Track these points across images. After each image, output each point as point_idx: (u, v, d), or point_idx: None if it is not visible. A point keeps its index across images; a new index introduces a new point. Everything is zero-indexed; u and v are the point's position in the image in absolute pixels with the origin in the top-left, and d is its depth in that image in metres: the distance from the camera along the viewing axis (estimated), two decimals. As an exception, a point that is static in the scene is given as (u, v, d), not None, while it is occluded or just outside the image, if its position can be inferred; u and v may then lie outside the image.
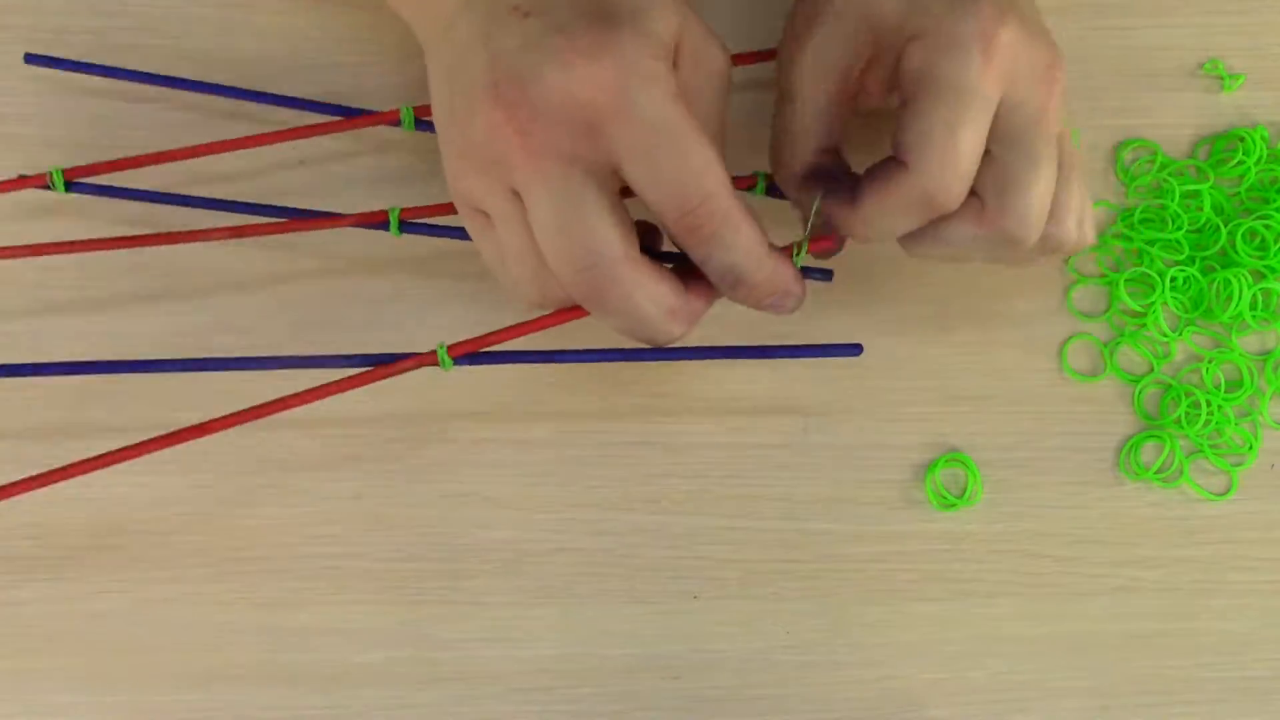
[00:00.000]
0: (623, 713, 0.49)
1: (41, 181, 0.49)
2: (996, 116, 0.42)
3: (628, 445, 0.50)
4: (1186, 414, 0.51)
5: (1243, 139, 0.52)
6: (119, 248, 0.48)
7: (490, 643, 0.49)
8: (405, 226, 0.48)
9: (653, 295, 0.40)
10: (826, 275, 0.47)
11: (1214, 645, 0.50)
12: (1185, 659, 0.50)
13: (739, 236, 0.40)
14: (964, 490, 0.50)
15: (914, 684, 0.49)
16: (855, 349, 0.46)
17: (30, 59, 0.50)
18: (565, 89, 0.38)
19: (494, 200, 0.40)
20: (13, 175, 0.49)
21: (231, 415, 0.43)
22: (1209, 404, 0.51)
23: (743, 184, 0.48)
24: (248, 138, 0.49)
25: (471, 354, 0.44)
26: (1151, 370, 0.51)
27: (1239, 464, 0.51)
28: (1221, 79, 0.53)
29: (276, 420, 0.49)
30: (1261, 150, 0.52)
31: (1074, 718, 0.49)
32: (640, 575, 0.49)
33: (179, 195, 0.49)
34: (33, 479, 0.43)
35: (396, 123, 0.49)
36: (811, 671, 0.49)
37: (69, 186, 0.49)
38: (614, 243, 0.39)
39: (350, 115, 0.50)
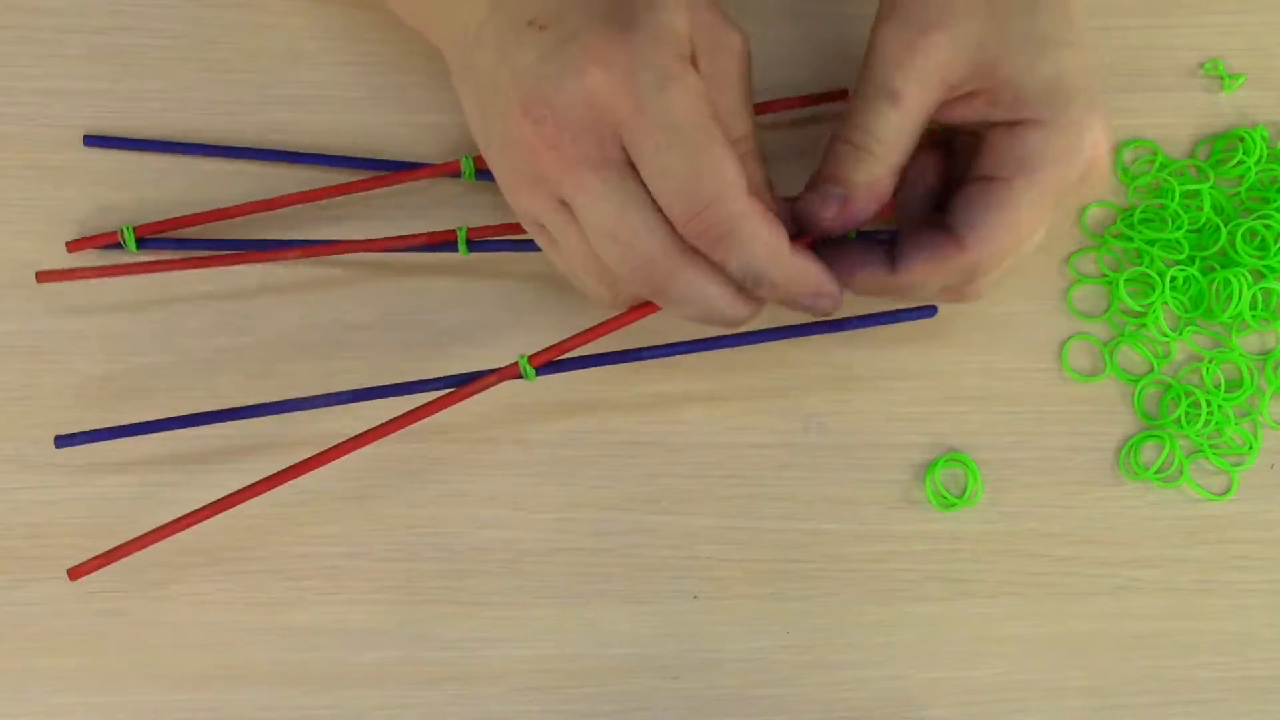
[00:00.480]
0: (623, 713, 0.49)
1: (113, 239, 0.49)
2: None
3: (628, 445, 0.50)
4: (1186, 414, 0.51)
5: (1243, 139, 0.52)
6: (191, 268, 0.48)
7: (490, 643, 0.49)
8: (474, 245, 0.49)
9: (713, 280, 0.41)
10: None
11: (1214, 645, 0.50)
12: (1185, 659, 0.50)
13: (753, 239, 0.40)
14: (964, 490, 0.50)
15: (914, 684, 0.49)
16: (930, 310, 0.46)
17: (90, 141, 0.50)
18: (584, 97, 0.38)
19: (548, 214, 0.41)
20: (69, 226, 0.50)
21: (344, 444, 0.46)
22: (1209, 404, 0.51)
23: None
24: (310, 192, 0.50)
25: (553, 362, 0.46)
26: (1151, 370, 0.51)
27: (1239, 464, 0.51)
28: (1221, 79, 0.53)
29: (275, 419, 0.49)
30: (1261, 150, 0.52)
31: (1074, 717, 0.49)
32: (640, 575, 0.49)
33: (250, 240, 0.50)
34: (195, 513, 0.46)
35: (457, 174, 0.50)
36: (811, 671, 0.49)
37: (140, 244, 0.49)
38: (661, 238, 0.40)
39: (409, 168, 0.50)
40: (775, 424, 0.50)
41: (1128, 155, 0.53)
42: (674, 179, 0.39)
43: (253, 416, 0.47)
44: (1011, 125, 0.42)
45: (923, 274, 0.43)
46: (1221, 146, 0.53)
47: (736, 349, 0.48)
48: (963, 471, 0.50)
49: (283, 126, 0.51)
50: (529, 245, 0.48)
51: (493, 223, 0.49)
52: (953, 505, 0.50)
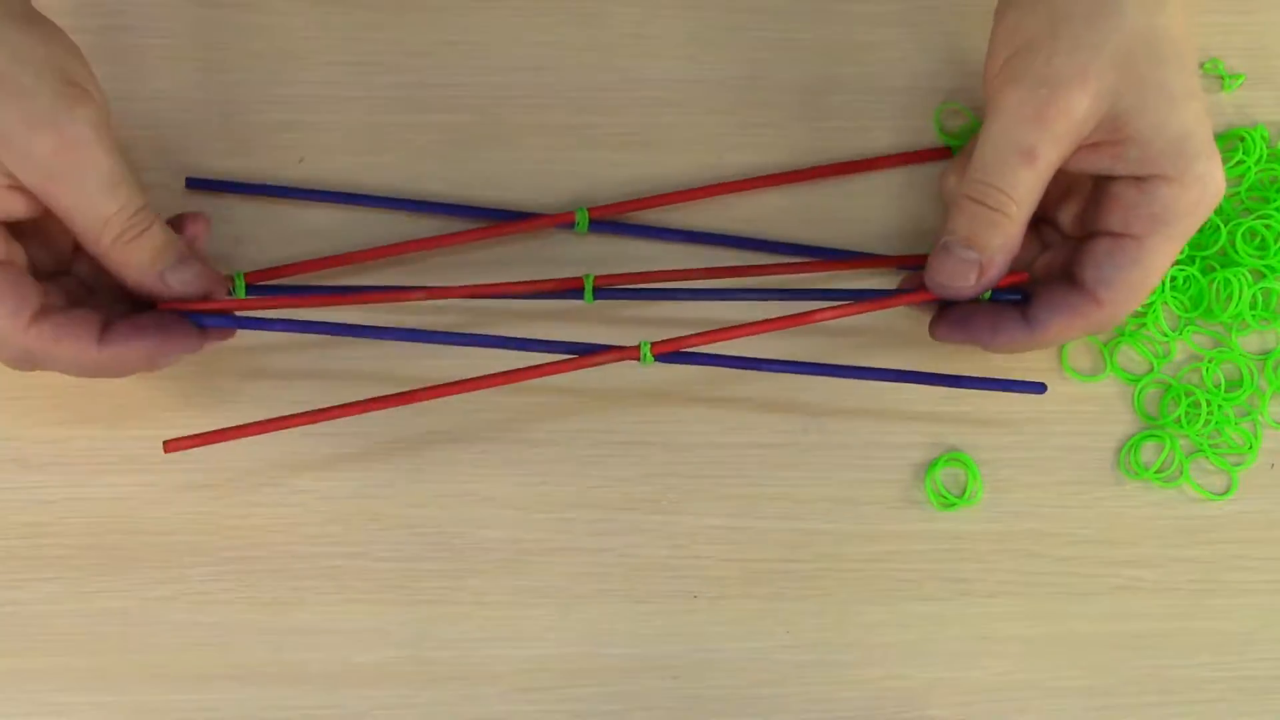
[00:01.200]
0: (623, 713, 0.49)
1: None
2: None
3: (628, 445, 0.50)
4: (1186, 413, 0.51)
5: (1243, 139, 0.52)
6: (315, 305, 0.47)
7: (490, 642, 0.49)
8: (599, 293, 0.48)
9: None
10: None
11: (1214, 645, 0.50)
12: (1185, 659, 0.50)
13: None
14: (964, 490, 0.50)
15: (914, 684, 0.49)
16: (1040, 387, 0.48)
17: (192, 184, 0.50)
18: None
19: None
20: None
21: (446, 385, 0.45)
22: (1209, 403, 0.51)
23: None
24: (422, 240, 0.49)
25: (672, 353, 0.46)
26: (1151, 370, 0.51)
27: (1239, 464, 0.51)
28: (1221, 79, 0.53)
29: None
30: (1261, 150, 0.52)
31: (1074, 717, 0.49)
32: (640, 575, 0.49)
33: (361, 287, 0.48)
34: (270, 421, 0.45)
35: (571, 225, 0.50)
36: (811, 671, 0.49)
37: (250, 290, 0.48)
38: None
39: (521, 218, 0.50)
40: (775, 424, 0.50)
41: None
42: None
43: (367, 337, 0.47)
44: (1140, 180, 0.43)
45: (1059, 332, 0.45)
46: (1221, 146, 0.53)
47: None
48: (963, 471, 0.50)
49: (284, 128, 0.51)
50: (656, 294, 0.48)
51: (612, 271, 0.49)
52: (953, 505, 0.50)
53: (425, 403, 0.49)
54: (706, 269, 0.49)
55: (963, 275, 0.44)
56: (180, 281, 0.44)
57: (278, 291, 0.48)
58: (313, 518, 0.49)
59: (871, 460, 0.50)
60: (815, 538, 0.50)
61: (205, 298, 0.45)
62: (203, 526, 0.49)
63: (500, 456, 0.50)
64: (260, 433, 0.45)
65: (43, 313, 0.42)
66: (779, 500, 0.50)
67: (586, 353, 0.46)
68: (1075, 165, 0.44)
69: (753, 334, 0.46)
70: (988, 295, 0.47)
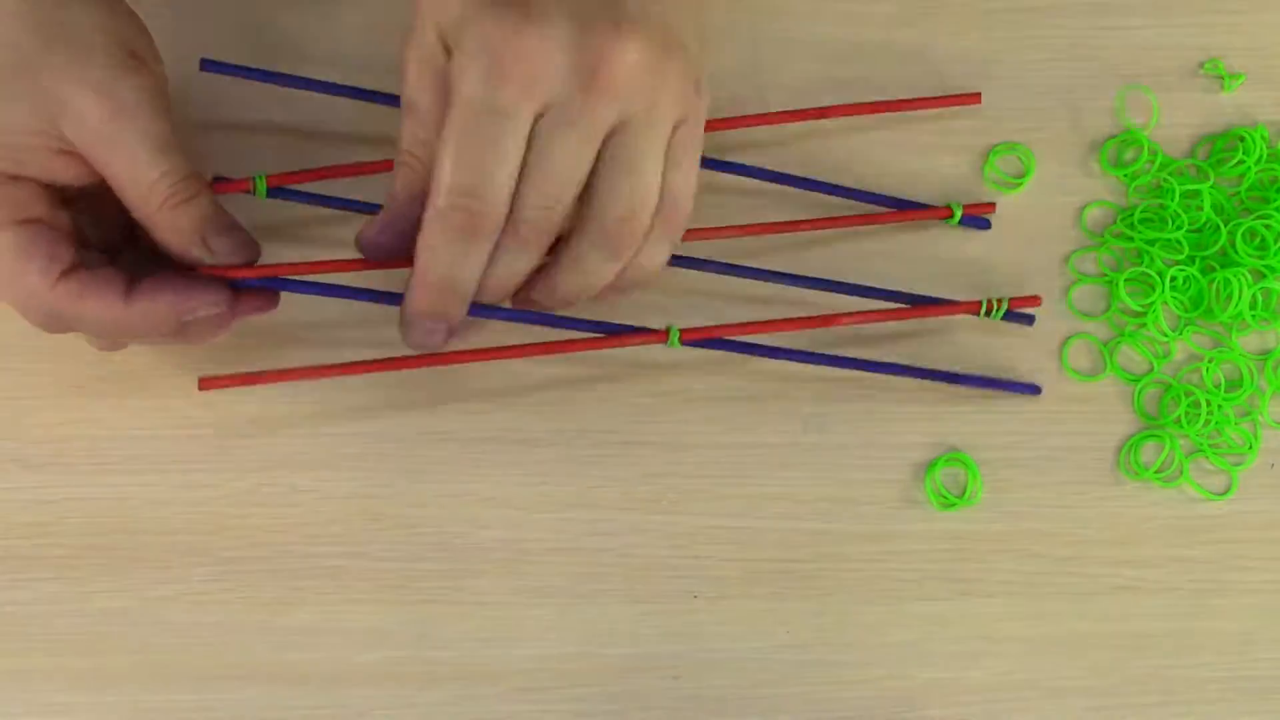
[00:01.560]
0: (623, 713, 0.49)
1: (244, 186, 0.48)
2: None
3: (628, 445, 0.50)
4: (1186, 414, 0.51)
5: (1243, 139, 0.52)
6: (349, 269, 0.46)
7: (490, 643, 0.49)
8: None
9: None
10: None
11: (1214, 645, 0.50)
12: (1185, 659, 0.50)
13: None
14: (964, 490, 0.50)
15: (914, 684, 0.49)
16: (1035, 389, 0.49)
17: (206, 66, 0.49)
18: None
19: None
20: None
21: (476, 351, 0.45)
22: (1209, 403, 0.51)
23: None
24: None
25: (700, 340, 0.47)
26: (1151, 370, 0.51)
27: (1239, 464, 0.51)
28: (1221, 79, 0.53)
29: (276, 420, 0.49)
30: (1261, 150, 0.52)
31: (1074, 717, 0.49)
32: (640, 575, 0.49)
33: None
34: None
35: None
36: (811, 671, 0.49)
37: (270, 193, 0.48)
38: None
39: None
40: (775, 424, 0.50)
41: (1128, 154, 0.53)
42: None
43: (396, 305, 0.45)
44: (450, 63, 0.41)
45: (419, 248, 0.42)
46: (1221, 146, 0.53)
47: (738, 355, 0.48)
48: (963, 471, 0.50)
49: (284, 128, 0.51)
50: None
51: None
52: (953, 505, 0.50)
53: (426, 403, 0.49)
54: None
55: (373, 225, 0.44)
56: (222, 247, 0.44)
57: (300, 197, 0.48)
58: (313, 518, 0.49)
59: (871, 460, 0.50)
60: (815, 538, 0.50)
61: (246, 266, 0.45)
62: (203, 526, 0.49)
63: (500, 456, 0.50)
64: (298, 379, 0.46)
65: (71, 270, 0.42)
66: (779, 500, 0.50)
67: (615, 332, 0.46)
68: None
69: (781, 330, 0.46)
70: (1000, 314, 0.48)
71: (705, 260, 0.48)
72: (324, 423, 0.49)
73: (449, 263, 0.42)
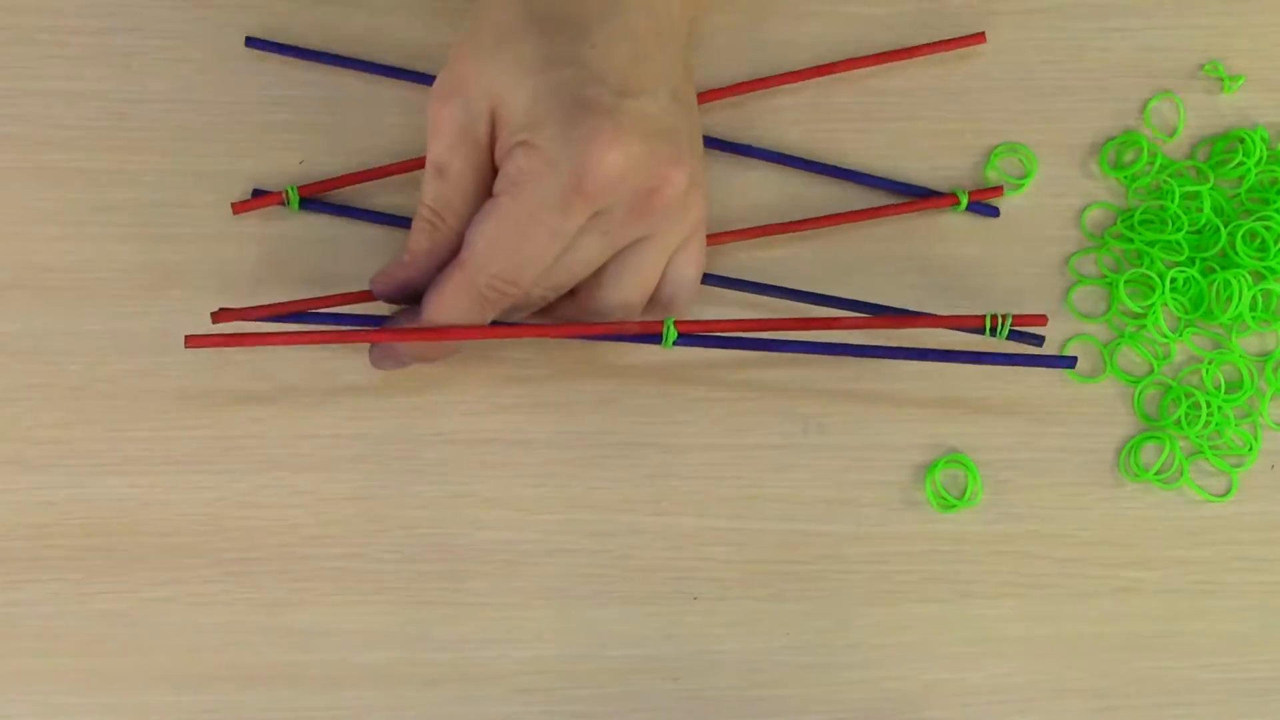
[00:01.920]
0: (623, 713, 0.49)
1: (277, 200, 0.49)
2: None
3: (627, 445, 0.50)
4: (1186, 415, 0.51)
5: (1242, 140, 0.52)
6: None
7: (490, 643, 0.49)
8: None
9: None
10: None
11: (1214, 646, 0.50)
12: (1185, 660, 0.50)
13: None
14: (964, 491, 0.50)
15: (914, 685, 0.49)
16: (1070, 361, 0.48)
17: (250, 43, 0.50)
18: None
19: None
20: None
21: (477, 329, 0.45)
22: (1209, 405, 0.51)
23: None
24: None
25: (692, 334, 0.46)
26: (1151, 371, 0.51)
27: (1239, 465, 0.51)
28: (1221, 80, 0.53)
29: (276, 420, 0.49)
30: (1261, 151, 0.52)
31: (1074, 718, 0.49)
32: (640, 576, 0.49)
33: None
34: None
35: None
36: (811, 672, 0.49)
37: (303, 204, 0.49)
38: None
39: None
40: (775, 424, 0.50)
41: (1127, 155, 0.53)
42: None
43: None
44: (509, 151, 0.42)
45: (439, 302, 0.44)
46: (1221, 147, 0.53)
47: (739, 351, 0.48)
48: (963, 472, 0.50)
49: (284, 126, 0.51)
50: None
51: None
52: (953, 506, 0.50)
53: (426, 404, 0.49)
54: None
55: (390, 274, 0.46)
56: None
57: (330, 209, 0.50)
58: (312, 518, 0.49)
59: (871, 462, 0.50)
60: (815, 539, 0.50)
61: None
62: (203, 527, 0.49)
63: (500, 457, 0.50)
64: (287, 343, 0.46)
65: None
66: (779, 502, 0.50)
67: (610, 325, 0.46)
68: (499, 162, 0.44)
69: (777, 330, 0.46)
70: (1005, 334, 0.47)
71: (710, 275, 0.49)
72: (324, 424, 0.49)
73: (470, 320, 0.45)
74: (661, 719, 0.49)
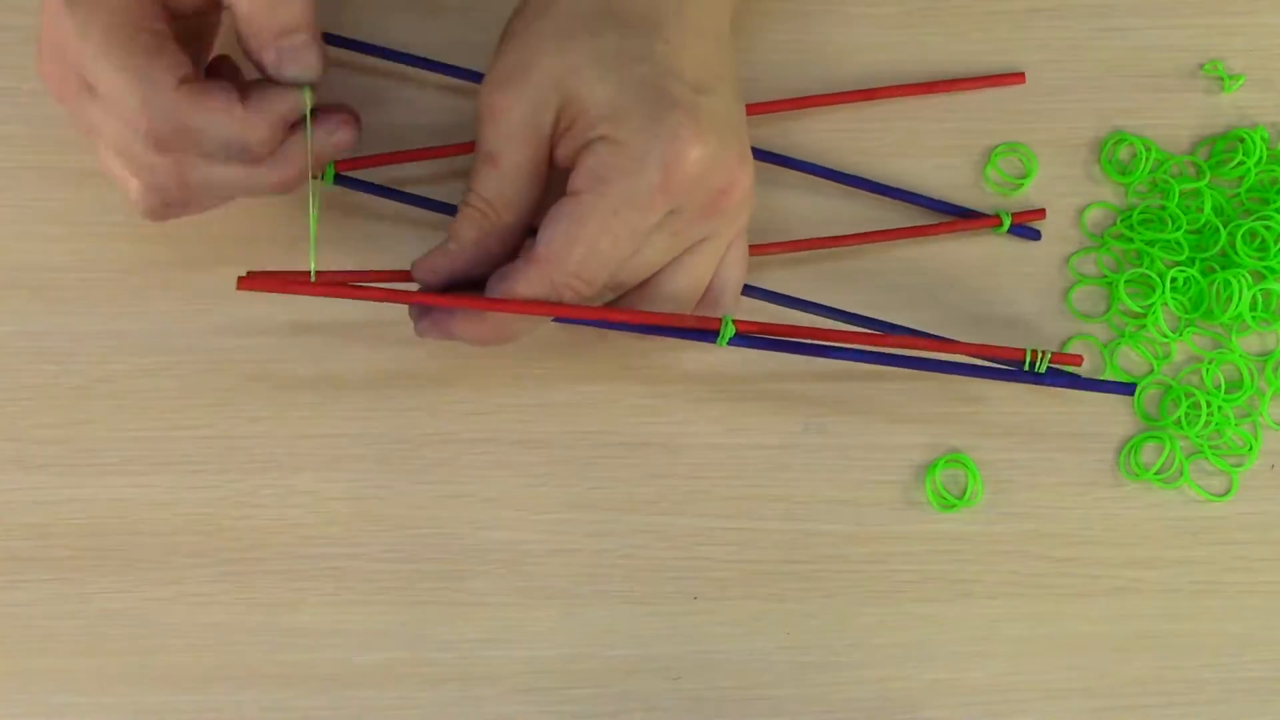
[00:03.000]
0: (623, 713, 0.49)
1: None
2: None
3: (628, 446, 0.50)
4: (1187, 415, 0.51)
5: (1242, 140, 0.52)
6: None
7: (490, 643, 0.49)
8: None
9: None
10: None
11: (1214, 646, 0.50)
12: (1185, 660, 0.49)
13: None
14: (964, 491, 0.50)
15: (914, 685, 0.49)
16: (1129, 388, 0.48)
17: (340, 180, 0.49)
18: None
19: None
20: None
21: (521, 302, 0.43)
22: (1209, 405, 0.51)
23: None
24: None
25: (748, 335, 0.46)
26: (1151, 371, 0.51)
27: (1239, 465, 0.51)
28: (1221, 80, 0.53)
29: (276, 420, 0.49)
30: (1261, 151, 0.52)
31: (1074, 718, 0.49)
32: (640, 576, 0.49)
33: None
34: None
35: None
36: (811, 672, 0.49)
37: (337, 179, 0.49)
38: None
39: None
40: (775, 424, 0.50)
41: (1124, 154, 0.53)
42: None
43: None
44: (588, 145, 0.42)
45: (509, 298, 0.43)
46: (1221, 147, 0.53)
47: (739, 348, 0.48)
48: (963, 472, 0.50)
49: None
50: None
51: None
52: (953, 506, 0.50)
53: (426, 404, 0.49)
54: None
55: (434, 260, 0.44)
56: (296, 65, 0.43)
57: (366, 188, 0.49)
58: (313, 518, 0.49)
59: (871, 461, 0.50)
60: (815, 539, 0.50)
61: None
62: (203, 526, 0.49)
63: (500, 457, 0.50)
64: (332, 295, 0.44)
65: (192, 76, 0.42)
66: (779, 501, 0.50)
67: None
68: (566, 154, 0.43)
69: (829, 339, 0.46)
70: (1043, 369, 0.47)
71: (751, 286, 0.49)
72: (324, 423, 0.49)
73: (534, 322, 0.44)
74: (661, 719, 0.49)
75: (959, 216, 0.52)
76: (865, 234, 0.51)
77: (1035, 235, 0.52)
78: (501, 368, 0.50)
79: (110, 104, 0.42)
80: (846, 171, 0.51)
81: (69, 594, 0.48)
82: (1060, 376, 0.48)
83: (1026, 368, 0.47)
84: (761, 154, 0.50)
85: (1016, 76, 0.52)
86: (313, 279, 0.43)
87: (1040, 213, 0.52)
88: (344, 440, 0.49)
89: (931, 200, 0.52)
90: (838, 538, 0.50)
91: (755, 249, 0.49)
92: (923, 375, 0.50)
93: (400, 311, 0.50)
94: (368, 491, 0.49)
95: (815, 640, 0.49)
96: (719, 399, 0.50)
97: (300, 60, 0.43)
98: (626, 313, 0.45)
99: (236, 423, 0.49)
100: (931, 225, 0.51)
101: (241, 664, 0.48)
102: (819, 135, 0.52)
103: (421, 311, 0.45)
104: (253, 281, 0.42)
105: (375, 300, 0.44)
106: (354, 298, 0.44)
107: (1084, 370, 0.51)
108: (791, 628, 0.49)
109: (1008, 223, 0.51)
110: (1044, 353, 0.47)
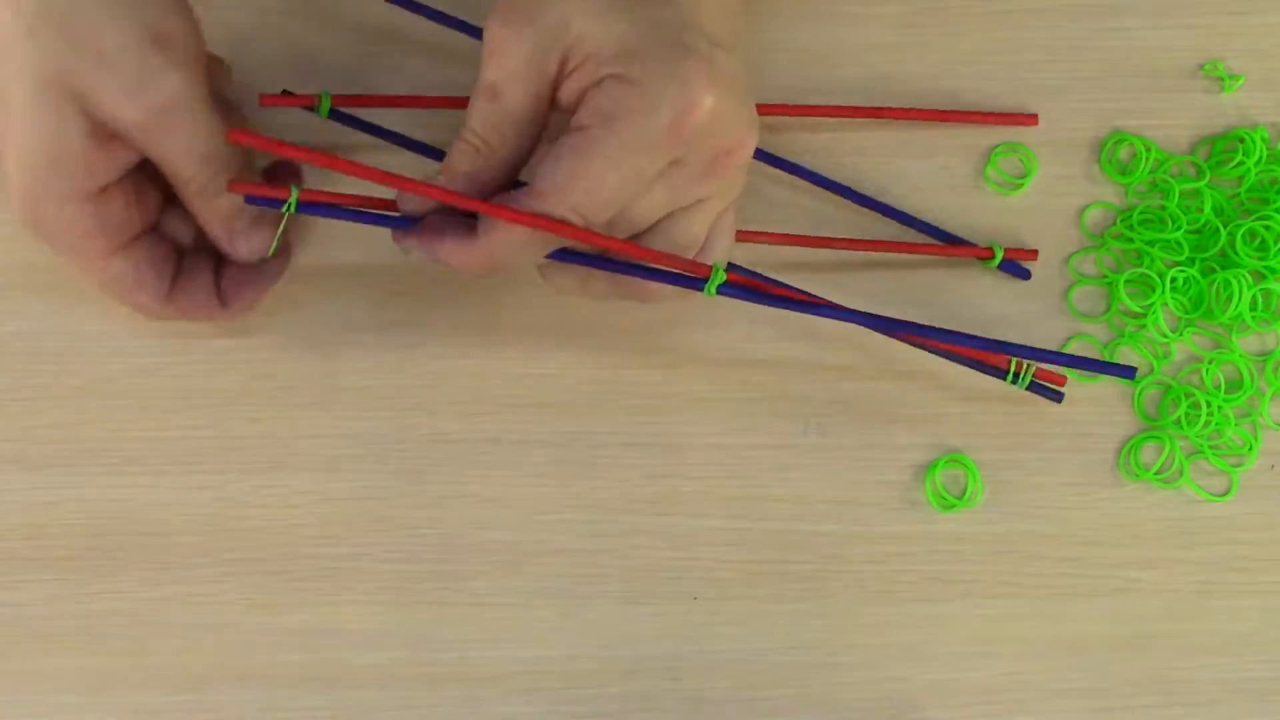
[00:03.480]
0: (623, 713, 0.49)
1: (308, 102, 0.48)
2: None
3: (628, 446, 0.50)
4: (1186, 415, 0.51)
5: (1242, 140, 0.52)
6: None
7: (490, 643, 0.49)
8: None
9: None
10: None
11: (1214, 646, 0.50)
12: (1185, 660, 0.49)
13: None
14: (964, 491, 0.50)
15: (914, 685, 0.49)
16: (1129, 371, 0.48)
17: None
18: None
19: None
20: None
21: (524, 215, 0.42)
22: (1209, 405, 0.51)
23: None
24: None
25: (738, 285, 0.45)
26: (1151, 371, 0.51)
27: (1239, 465, 0.51)
28: (1221, 80, 0.53)
29: (276, 421, 0.49)
30: (1261, 151, 0.52)
31: (1074, 719, 0.49)
32: (640, 576, 0.49)
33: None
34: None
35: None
36: (811, 672, 0.49)
37: (332, 113, 0.48)
38: None
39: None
40: (775, 425, 0.50)
41: (1124, 154, 0.53)
42: None
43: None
44: (599, 82, 0.41)
45: (505, 236, 0.42)
46: (1221, 147, 0.53)
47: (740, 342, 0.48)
48: (963, 472, 0.50)
49: (286, 125, 0.51)
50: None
51: None
52: (953, 506, 0.50)
53: (426, 404, 0.49)
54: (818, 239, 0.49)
55: (423, 192, 0.43)
56: (248, 244, 0.46)
57: (359, 125, 0.49)
58: (313, 518, 0.49)
59: (871, 462, 0.50)
60: (815, 539, 0.50)
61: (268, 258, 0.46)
62: (203, 527, 0.49)
63: (500, 457, 0.50)
64: (337, 168, 0.42)
65: (174, 286, 0.46)
66: (779, 502, 0.50)
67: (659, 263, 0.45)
68: (571, 95, 0.42)
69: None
70: (1025, 385, 0.47)
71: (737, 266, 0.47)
72: (324, 424, 0.49)
73: (525, 254, 0.44)
74: (661, 719, 0.49)
75: (951, 243, 0.51)
76: (856, 240, 0.51)
77: (1025, 275, 0.52)
78: (502, 368, 0.50)
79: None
80: (846, 172, 0.51)
81: (68, 594, 0.48)
82: (1044, 390, 0.48)
83: (1010, 380, 0.47)
84: (761, 154, 0.50)
85: (1029, 118, 0.52)
86: (293, 201, 0.43)
87: (1033, 253, 0.51)
88: (344, 440, 0.49)
89: (926, 225, 0.51)
90: (838, 538, 0.50)
91: (744, 234, 0.49)
92: (923, 375, 0.50)
93: (401, 312, 0.50)
94: (368, 492, 0.49)
95: (815, 640, 0.49)
96: (719, 399, 0.50)
97: (252, 240, 0.45)
98: (621, 243, 0.43)
99: (236, 423, 0.49)
100: (923, 244, 0.51)
101: (241, 664, 0.48)
102: (818, 133, 0.52)
103: (406, 230, 0.44)
104: (238, 187, 0.43)
105: (362, 178, 0.42)
106: (342, 170, 0.42)
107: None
108: (791, 628, 0.49)
109: (999, 256, 0.51)
110: (1028, 366, 0.47)
